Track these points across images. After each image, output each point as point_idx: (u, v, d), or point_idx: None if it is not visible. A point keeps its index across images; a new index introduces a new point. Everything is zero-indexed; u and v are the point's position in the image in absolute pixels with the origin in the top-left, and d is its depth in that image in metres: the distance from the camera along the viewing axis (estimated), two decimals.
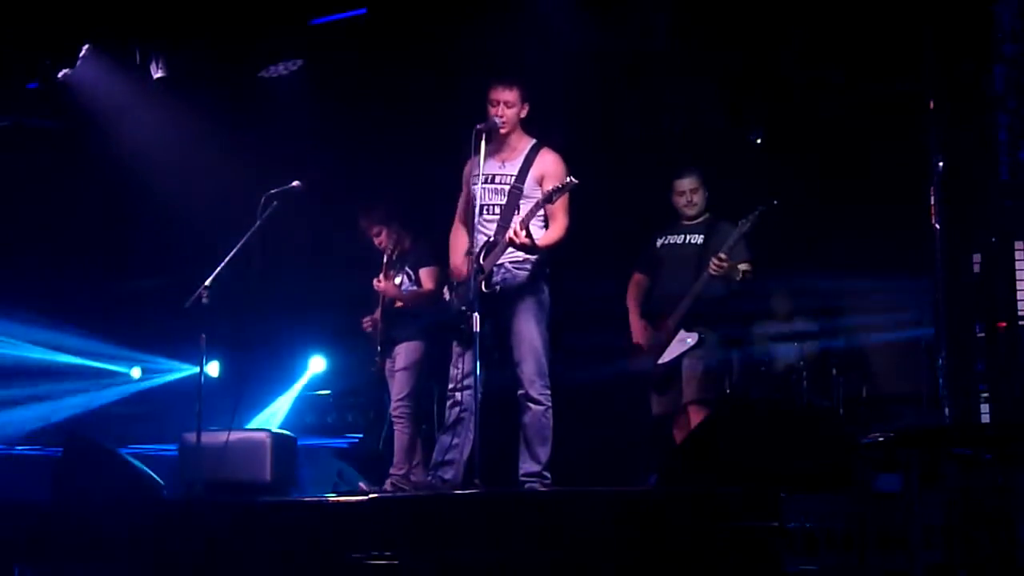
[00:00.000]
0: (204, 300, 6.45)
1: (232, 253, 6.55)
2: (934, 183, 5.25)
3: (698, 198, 6.91)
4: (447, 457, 6.04)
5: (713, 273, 6.60)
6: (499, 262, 6.06)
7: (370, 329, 7.60)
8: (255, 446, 6.92)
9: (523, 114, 6.18)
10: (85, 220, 9.74)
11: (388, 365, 7.58)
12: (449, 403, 6.11)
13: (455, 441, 6.01)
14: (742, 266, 6.67)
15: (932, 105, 5.32)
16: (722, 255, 6.58)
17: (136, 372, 10.30)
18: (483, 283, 5.99)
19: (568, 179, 5.92)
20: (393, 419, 7.50)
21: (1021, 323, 5.11)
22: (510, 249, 6.02)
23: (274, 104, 9.06)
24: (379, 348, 7.55)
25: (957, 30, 5.34)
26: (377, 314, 7.54)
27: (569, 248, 6.14)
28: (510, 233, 5.92)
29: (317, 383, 9.87)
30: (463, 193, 6.29)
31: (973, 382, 5.07)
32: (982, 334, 5.13)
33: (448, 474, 6.03)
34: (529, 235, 5.91)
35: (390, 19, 8.41)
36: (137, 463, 6.82)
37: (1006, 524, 4.57)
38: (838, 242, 7.91)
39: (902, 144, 6.67)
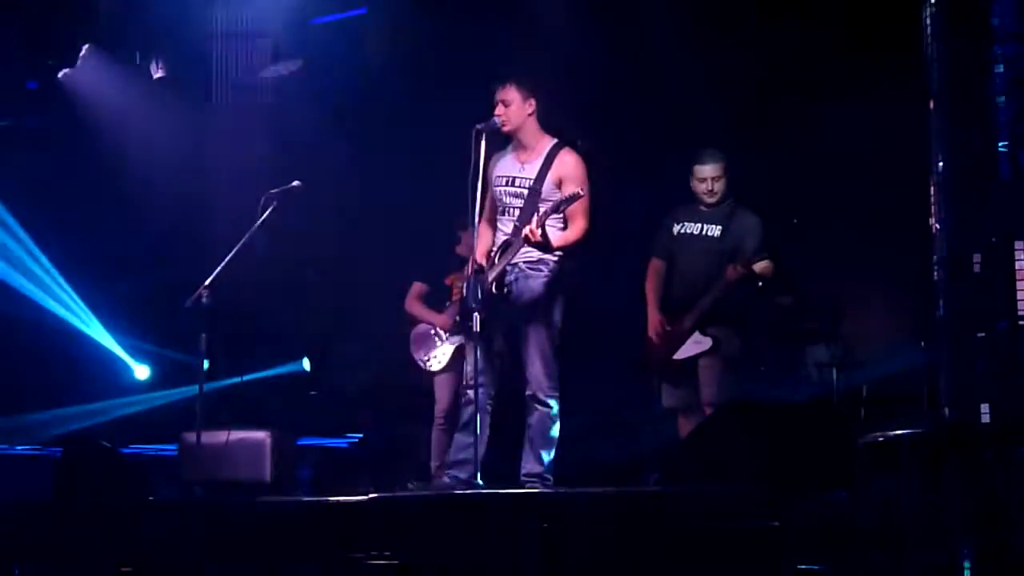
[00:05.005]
0: (204, 300, 6.46)
1: (232, 253, 6.56)
2: (934, 183, 5.25)
3: (719, 187, 6.71)
4: (462, 456, 6.06)
5: (730, 281, 6.57)
6: (513, 262, 6.08)
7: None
8: (255, 446, 6.92)
9: (530, 111, 6.16)
10: (84, 220, 9.73)
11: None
12: (463, 401, 6.13)
13: (469, 440, 6.01)
14: (760, 266, 6.59)
15: (932, 105, 5.32)
16: (740, 267, 6.54)
17: (142, 371, 10.26)
18: (495, 284, 6.02)
19: (577, 191, 5.91)
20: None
21: (1021, 323, 5.11)
22: (525, 248, 6.03)
23: (274, 104, 9.07)
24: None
25: (957, 30, 5.34)
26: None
27: (582, 248, 6.14)
28: (526, 231, 5.92)
29: (307, 383, 9.83)
30: (489, 192, 6.23)
31: (973, 382, 5.06)
32: (982, 334, 5.13)
33: (464, 473, 6.05)
34: (544, 234, 5.91)
35: (390, 19, 8.43)
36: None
37: (1006, 524, 4.57)
38: (837, 241, 7.90)
39: (902, 144, 6.67)
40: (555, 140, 6.20)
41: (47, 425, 9.51)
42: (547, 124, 6.24)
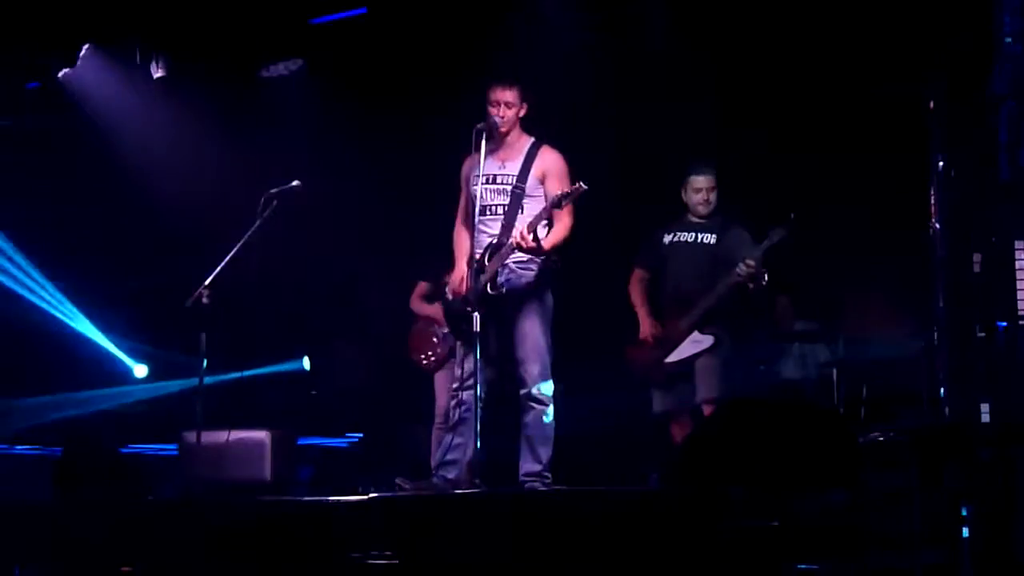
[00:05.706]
0: (204, 300, 6.46)
1: (232, 253, 6.56)
2: (934, 183, 5.25)
3: (713, 197, 6.81)
4: (450, 457, 6.09)
5: (739, 278, 6.56)
6: (504, 263, 6.08)
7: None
8: (255, 446, 6.92)
9: (522, 113, 6.21)
10: (84, 220, 9.72)
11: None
12: (453, 403, 6.16)
13: (458, 440, 6.05)
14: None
15: (932, 105, 5.32)
16: (750, 261, 6.54)
17: (141, 371, 10.26)
18: (488, 285, 6.01)
19: (578, 185, 5.91)
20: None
21: (1021, 323, 5.11)
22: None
23: (274, 104, 9.07)
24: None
25: (957, 30, 5.35)
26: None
27: (570, 246, 6.15)
28: (516, 237, 5.94)
29: (307, 383, 9.82)
30: (463, 193, 6.30)
31: (973, 382, 5.06)
32: (982, 334, 5.13)
33: (451, 473, 6.08)
34: (536, 239, 5.94)
35: (390, 19, 8.43)
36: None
37: (1006, 524, 4.57)
38: (837, 241, 7.90)
39: (902, 144, 6.67)
40: (533, 139, 6.25)
41: (44, 409, 9.53)
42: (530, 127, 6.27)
